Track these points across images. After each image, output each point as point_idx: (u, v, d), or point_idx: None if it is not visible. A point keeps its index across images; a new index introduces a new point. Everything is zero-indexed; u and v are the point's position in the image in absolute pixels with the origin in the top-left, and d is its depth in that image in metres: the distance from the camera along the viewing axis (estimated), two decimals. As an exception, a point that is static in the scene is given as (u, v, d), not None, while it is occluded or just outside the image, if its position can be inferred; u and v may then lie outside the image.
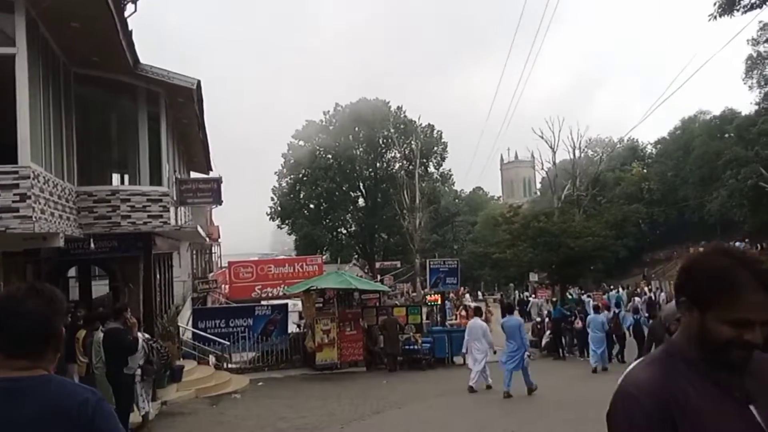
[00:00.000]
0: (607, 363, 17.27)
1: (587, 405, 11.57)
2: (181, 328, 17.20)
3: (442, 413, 11.15)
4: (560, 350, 20.31)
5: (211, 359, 16.48)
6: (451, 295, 28.80)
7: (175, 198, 14.88)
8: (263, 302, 21.84)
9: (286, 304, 19.95)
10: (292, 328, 19.73)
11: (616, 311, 20.63)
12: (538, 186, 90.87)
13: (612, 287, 43.38)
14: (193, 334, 17.35)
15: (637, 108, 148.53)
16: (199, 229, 14.52)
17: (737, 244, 48.70)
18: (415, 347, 17.78)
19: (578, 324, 20.16)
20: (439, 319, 23.17)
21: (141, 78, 12.75)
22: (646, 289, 44.95)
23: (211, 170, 22.51)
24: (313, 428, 9.66)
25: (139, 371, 9.47)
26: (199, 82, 12.96)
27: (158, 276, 18.21)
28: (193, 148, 20.02)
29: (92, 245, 12.26)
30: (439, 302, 21.64)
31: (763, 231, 40.80)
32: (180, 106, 14.35)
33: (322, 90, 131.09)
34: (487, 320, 31.01)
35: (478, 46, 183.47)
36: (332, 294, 18.79)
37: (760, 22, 39.98)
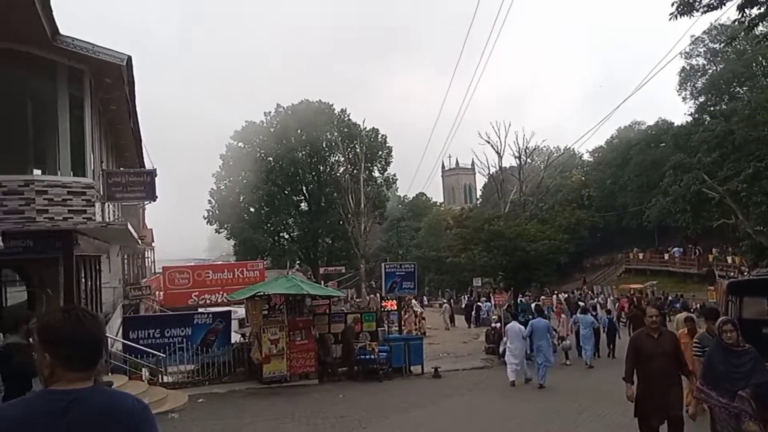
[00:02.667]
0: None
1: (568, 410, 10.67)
2: (109, 339, 15.30)
3: (411, 432, 9.92)
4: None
5: (145, 373, 14.68)
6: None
7: (102, 192, 13.11)
8: (204, 310, 20.02)
9: (230, 312, 18.26)
10: (235, 338, 18.08)
11: (594, 313, 20.88)
12: (479, 193, 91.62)
13: (555, 292, 43.55)
14: (124, 345, 15.45)
15: (574, 117, 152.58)
16: (130, 228, 12.79)
17: (674, 250, 50.17)
18: (372, 356, 16.49)
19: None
20: (388, 326, 21.99)
21: (61, 52, 11.03)
22: (590, 293, 45.57)
23: (144, 167, 20.60)
24: (267, 458, 8.22)
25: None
26: (129, 58, 11.31)
27: (84, 281, 16.25)
28: (124, 140, 18.13)
29: (1, 244, 10.41)
30: (395, 309, 20.45)
31: (703, 236, 41.79)
32: (108, 88, 12.63)
33: (263, 90, 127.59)
34: (419, 328, 30.18)
35: (425, 56, 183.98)
36: (280, 300, 17.30)
37: (692, 36, 41.15)
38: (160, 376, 14.85)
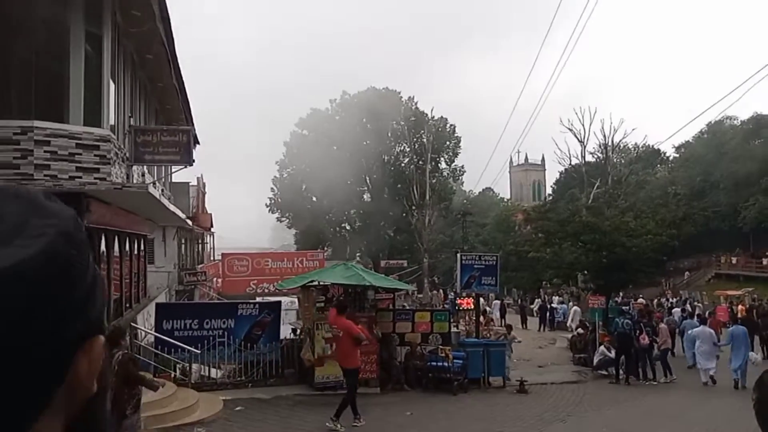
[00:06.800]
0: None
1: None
2: (140, 331, 13.18)
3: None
4: (619, 371, 16.14)
5: (177, 371, 12.47)
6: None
7: (128, 154, 10.86)
8: (250, 300, 17.73)
9: (279, 303, 15.80)
10: (286, 333, 15.68)
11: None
12: (549, 191, 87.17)
13: (639, 296, 39.42)
14: (156, 338, 13.26)
15: (655, 110, 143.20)
16: (153, 192, 10.43)
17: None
18: (444, 364, 13.69)
19: (645, 340, 16.13)
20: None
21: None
22: (672, 300, 41.12)
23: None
24: None
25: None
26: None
27: (120, 261, 14.23)
28: (170, 104, 16.05)
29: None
30: (472, 308, 17.57)
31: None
32: (137, 23, 10.33)
33: (329, 74, 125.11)
34: (488, 329, 27.22)
35: (502, 46, 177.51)
36: (338, 292, 14.80)
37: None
38: (191, 376, 12.51)
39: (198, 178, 37.06)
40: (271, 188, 57.37)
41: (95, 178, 8.98)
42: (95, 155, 9.00)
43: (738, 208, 47.90)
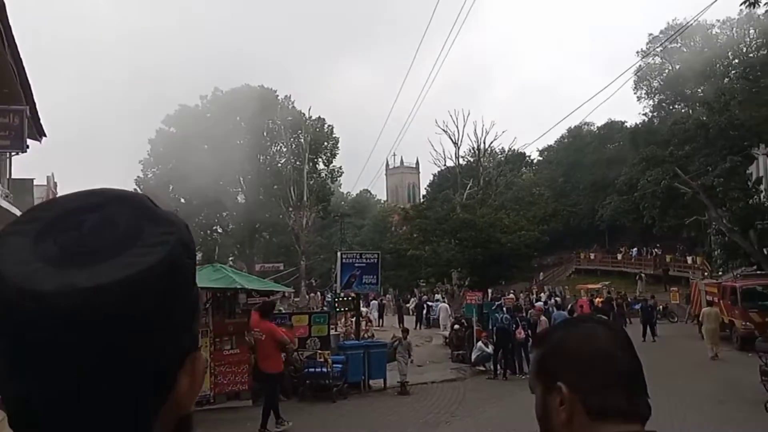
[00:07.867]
0: None
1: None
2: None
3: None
4: (497, 366, 16.29)
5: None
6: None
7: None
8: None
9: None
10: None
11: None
12: (423, 192, 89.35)
13: (510, 291, 41.06)
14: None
15: (517, 117, 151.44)
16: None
17: (633, 250, 48.78)
18: (323, 370, 12.88)
19: (521, 334, 16.37)
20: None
21: None
22: (542, 295, 43.34)
23: (38, 118, 15.87)
24: None
25: None
26: None
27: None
28: (7, 87, 13.86)
29: None
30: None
31: (658, 237, 39.82)
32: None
33: (200, 68, 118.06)
34: (367, 330, 26.97)
35: (381, 50, 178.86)
36: (205, 296, 13.53)
37: (649, 34, 39.98)
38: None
39: (48, 176, 33.47)
40: (134, 189, 53.54)
41: None
42: None
43: (596, 207, 51.36)
